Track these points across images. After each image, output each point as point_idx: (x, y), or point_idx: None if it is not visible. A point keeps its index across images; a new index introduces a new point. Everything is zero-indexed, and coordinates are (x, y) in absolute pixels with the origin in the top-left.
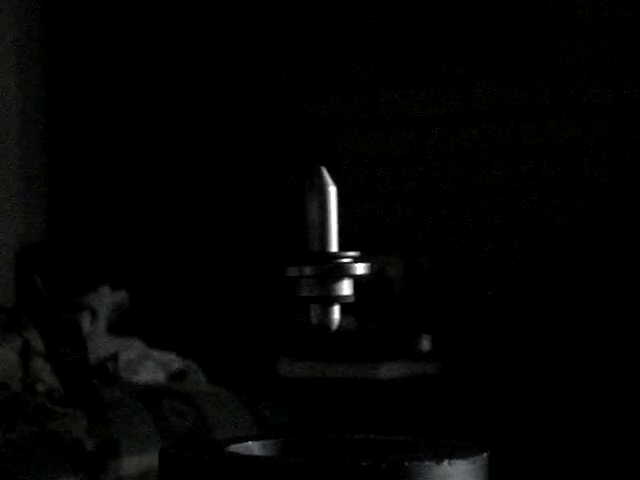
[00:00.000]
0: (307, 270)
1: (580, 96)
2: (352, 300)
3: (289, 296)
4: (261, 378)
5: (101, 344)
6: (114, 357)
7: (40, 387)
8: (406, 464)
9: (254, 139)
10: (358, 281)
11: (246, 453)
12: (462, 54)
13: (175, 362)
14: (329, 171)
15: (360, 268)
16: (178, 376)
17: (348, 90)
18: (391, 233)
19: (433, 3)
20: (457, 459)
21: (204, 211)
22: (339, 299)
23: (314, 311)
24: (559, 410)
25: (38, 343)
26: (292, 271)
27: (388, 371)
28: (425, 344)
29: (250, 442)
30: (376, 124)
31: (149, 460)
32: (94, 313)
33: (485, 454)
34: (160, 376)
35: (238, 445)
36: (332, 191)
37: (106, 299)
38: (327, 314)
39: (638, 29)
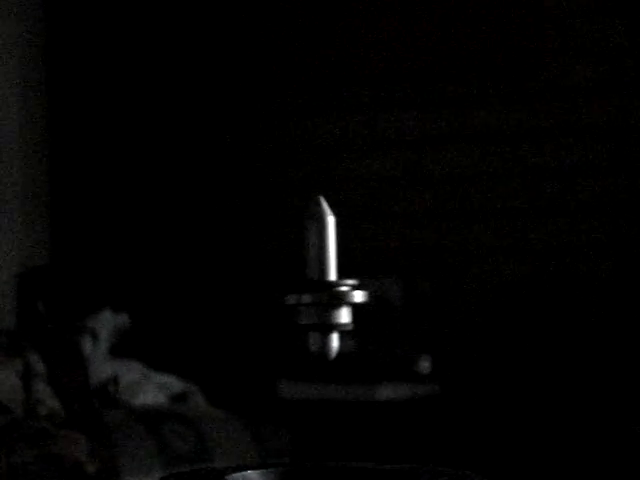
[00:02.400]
0: (306, 298)
1: (577, 118)
2: (350, 328)
3: (288, 324)
4: (261, 400)
5: (102, 367)
6: (115, 379)
7: (41, 410)
8: None
9: (252, 165)
10: (359, 304)
11: None
12: (459, 77)
13: (175, 384)
14: (327, 194)
15: (358, 296)
16: (178, 399)
17: (346, 113)
18: (390, 255)
19: (430, 26)
20: None
21: (205, 235)
22: (338, 327)
23: (313, 339)
24: (560, 433)
25: (39, 366)
26: (291, 299)
27: (387, 393)
28: (424, 366)
29: (249, 471)
30: (374, 147)
31: None
32: (95, 336)
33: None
34: (161, 399)
35: (237, 474)
36: (330, 220)
37: (107, 322)
38: (326, 342)
39: (634, 51)
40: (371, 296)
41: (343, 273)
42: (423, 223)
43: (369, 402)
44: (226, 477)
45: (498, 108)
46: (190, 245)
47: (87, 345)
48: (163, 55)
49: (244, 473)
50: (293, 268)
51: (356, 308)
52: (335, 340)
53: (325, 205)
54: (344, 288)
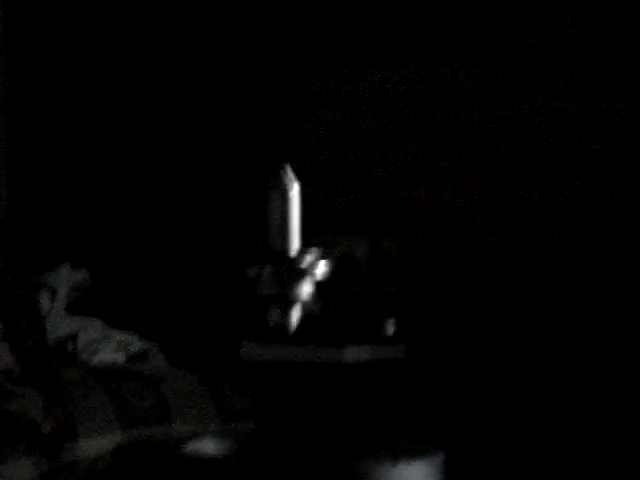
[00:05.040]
0: (267, 270)
1: (554, 77)
2: (312, 301)
3: (249, 295)
4: (223, 361)
5: (60, 324)
6: (73, 337)
7: None
8: (364, 465)
9: (220, 123)
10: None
11: (203, 451)
12: (436, 32)
13: (136, 343)
14: (296, 153)
15: (321, 267)
16: (139, 357)
17: (319, 68)
18: (358, 215)
19: None
20: (414, 460)
21: (167, 191)
22: (299, 299)
23: (273, 311)
24: (523, 394)
25: None
26: (252, 270)
27: (353, 354)
28: (390, 327)
29: (206, 440)
30: (343, 104)
31: (107, 442)
32: (54, 292)
33: (441, 455)
34: (120, 357)
35: (195, 443)
36: (295, 188)
37: (66, 278)
38: (286, 314)
39: (612, 10)
40: (338, 256)
41: (310, 232)
42: (392, 182)
43: (334, 364)
44: (183, 446)
45: (473, 65)
46: (152, 200)
47: (45, 301)
48: (124, 24)
49: (201, 442)
50: (255, 237)
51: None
52: (296, 313)
53: (290, 173)
54: (307, 260)
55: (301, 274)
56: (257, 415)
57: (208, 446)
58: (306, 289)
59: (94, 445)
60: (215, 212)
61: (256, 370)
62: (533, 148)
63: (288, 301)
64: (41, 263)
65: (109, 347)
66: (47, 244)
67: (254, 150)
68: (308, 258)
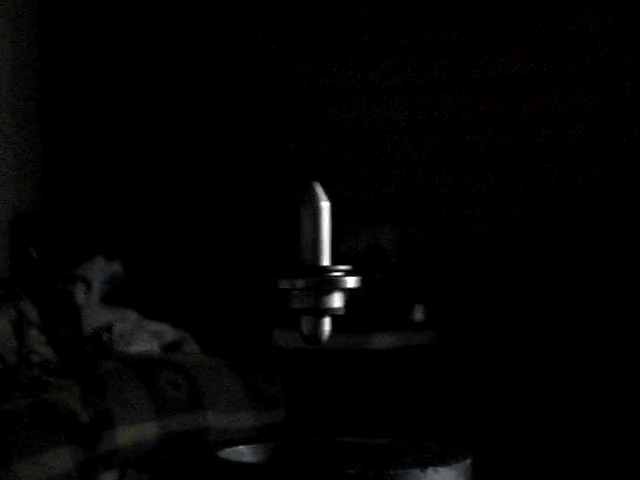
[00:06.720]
0: (299, 283)
1: (574, 65)
2: (342, 312)
3: (281, 307)
4: (255, 348)
5: (95, 315)
6: (108, 328)
7: (35, 358)
8: (392, 472)
9: (245, 116)
10: (353, 252)
11: (237, 458)
12: (458, 22)
13: (169, 333)
14: (322, 142)
15: (351, 281)
16: (172, 347)
17: (341, 59)
18: (385, 203)
19: None
20: (441, 466)
21: (200, 181)
22: (330, 311)
23: (305, 322)
24: (552, 381)
25: (32, 314)
26: (284, 283)
27: (381, 341)
28: (418, 314)
29: (241, 446)
30: (370, 93)
31: (143, 430)
32: (88, 284)
33: (469, 460)
34: (154, 347)
35: (229, 450)
36: (325, 206)
37: (100, 270)
38: (318, 326)
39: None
40: (366, 244)
41: (339, 221)
42: (418, 170)
43: (363, 350)
44: (218, 453)
45: (495, 54)
46: (185, 191)
47: (80, 293)
48: (157, 23)
49: (236, 449)
50: (287, 246)
51: (351, 256)
52: (327, 324)
53: (320, 191)
54: (337, 273)
55: (332, 287)
56: (288, 402)
57: (242, 452)
58: (337, 301)
59: (131, 433)
60: (246, 204)
61: (286, 357)
62: (559, 137)
63: (319, 313)
64: (76, 256)
65: (143, 337)
66: (81, 237)
67: (284, 132)
68: (338, 272)
